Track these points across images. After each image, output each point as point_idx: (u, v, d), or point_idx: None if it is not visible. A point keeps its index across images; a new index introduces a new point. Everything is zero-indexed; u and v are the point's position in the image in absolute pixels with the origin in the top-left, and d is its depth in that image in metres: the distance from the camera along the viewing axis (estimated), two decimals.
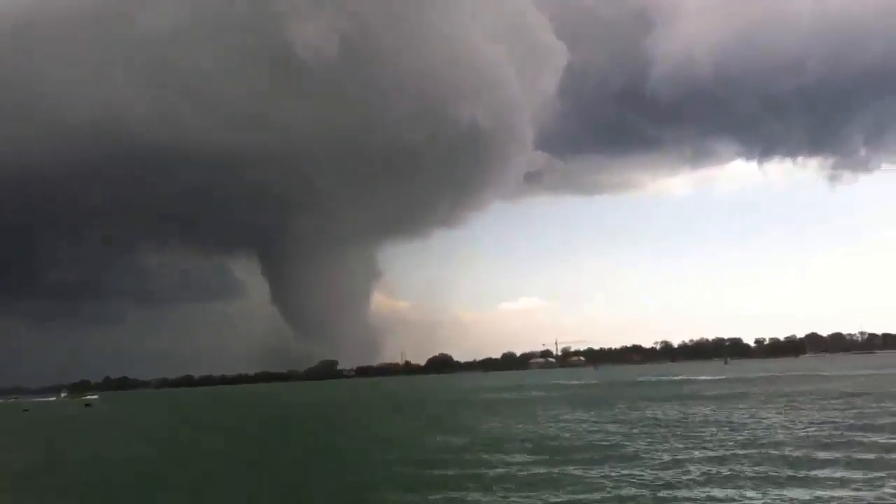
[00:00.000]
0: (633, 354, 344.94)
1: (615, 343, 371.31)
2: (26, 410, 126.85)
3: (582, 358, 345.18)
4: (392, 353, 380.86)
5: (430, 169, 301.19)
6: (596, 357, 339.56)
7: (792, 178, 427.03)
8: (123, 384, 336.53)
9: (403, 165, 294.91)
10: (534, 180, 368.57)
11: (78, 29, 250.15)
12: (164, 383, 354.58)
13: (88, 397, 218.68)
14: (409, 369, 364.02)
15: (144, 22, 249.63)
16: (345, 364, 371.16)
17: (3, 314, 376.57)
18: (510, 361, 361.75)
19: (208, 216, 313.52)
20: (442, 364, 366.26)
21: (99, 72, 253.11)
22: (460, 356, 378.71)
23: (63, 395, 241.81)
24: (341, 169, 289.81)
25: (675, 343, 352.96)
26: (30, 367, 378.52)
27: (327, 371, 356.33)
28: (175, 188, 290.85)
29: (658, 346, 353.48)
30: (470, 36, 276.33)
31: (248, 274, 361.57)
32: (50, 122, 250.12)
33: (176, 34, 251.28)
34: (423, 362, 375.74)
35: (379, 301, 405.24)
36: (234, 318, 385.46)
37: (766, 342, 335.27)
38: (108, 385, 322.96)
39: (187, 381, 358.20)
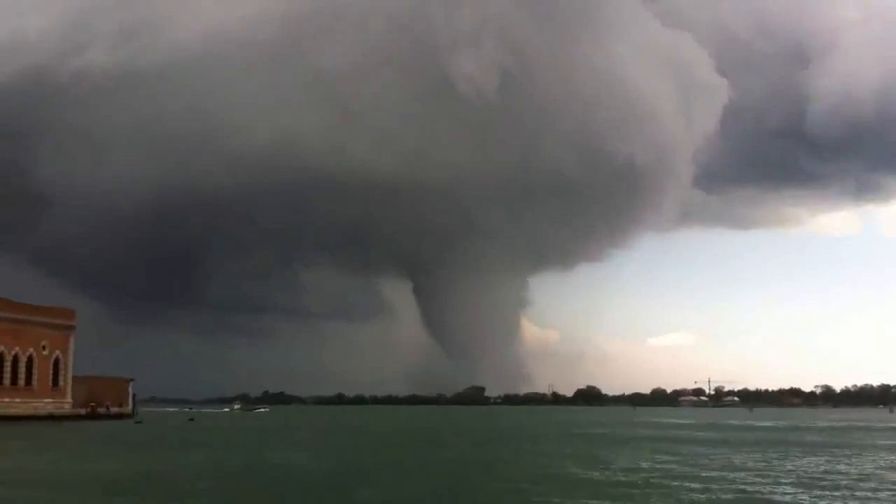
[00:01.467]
0: (791, 397, 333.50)
1: (771, 384, 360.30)
2: (192, 420, 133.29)
3: (736, 398, 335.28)
4: (539, 383, 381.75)
5: (584, 202, 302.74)
6: (751, 398, 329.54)
7: None
8: (280, 399, 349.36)
9: (558, 199, 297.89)
10: (687, 214, 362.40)
11: (255, 62, 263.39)
12: (319, 401, 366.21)
13: (260, 409, 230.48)
14: (556, 400, 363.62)
15: (318, 57, 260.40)
16: (492, 391, 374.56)
17: (170, 328, 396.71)
18: (660, 397, 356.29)
19: (367, 241, 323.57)
20: (589, 396, 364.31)
21: (275, 104, 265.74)
22: (608, 389, 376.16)
23: (236, 406, 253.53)
24: (497, 201, 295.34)
25: (837, 387, 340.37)
26: (192, 378, 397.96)
27: (475, 397, 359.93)
28: (339, 214, 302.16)
29: (818, 390, 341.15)
30: (630, 72, 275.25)
31: (400, 297, 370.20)
32: (228, 151, 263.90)
33: (348, 69, 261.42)
34: (570, 393, 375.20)
35: (528, 330, 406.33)
36: (386, 340, 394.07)
37: None
38: (267, 399, 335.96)
39: (340, 400, 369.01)
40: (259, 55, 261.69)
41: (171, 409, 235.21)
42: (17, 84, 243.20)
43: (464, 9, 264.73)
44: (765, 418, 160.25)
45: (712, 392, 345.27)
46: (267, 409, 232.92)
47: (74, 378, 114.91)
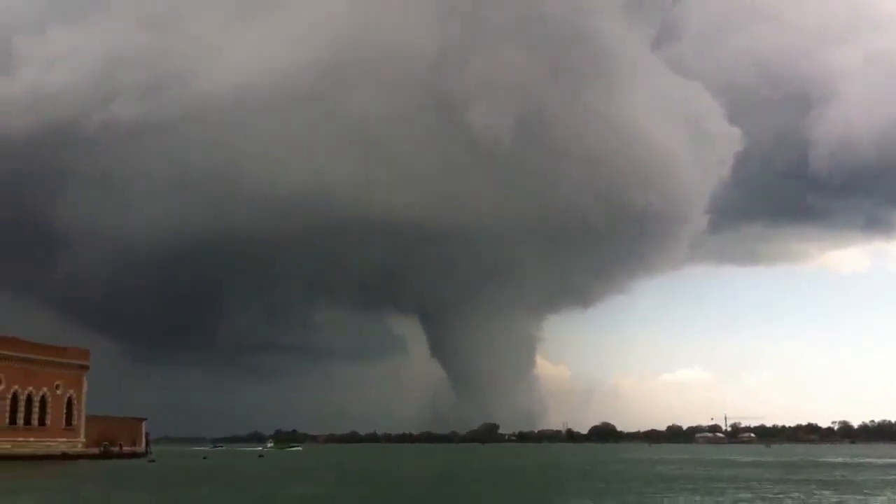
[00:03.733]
0: (808, 434, 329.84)
1: (787, 420, 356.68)
2: (205, 458, 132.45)
3: (753, 435, 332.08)
4: (553, 420, 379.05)
5: (602, 246, 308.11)
6: (768, 434, 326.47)
7: None
8: (293, 437, 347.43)
9: (577, 242, 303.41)
10: (698, 252, 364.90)
11: (282, 111, 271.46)
12: (331, 439, 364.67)
13: (293, 448, 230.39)
14: (571, 437, 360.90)
15: (342, 106, 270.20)
16: (506, 428, 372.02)
17: (183, 368, 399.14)
18: (675, 434, 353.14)
19: (383, 282, 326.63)
20: (605, 433, 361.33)
21: (300, 151, 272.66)
22: (623, 426, 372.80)
23: (269, 445, 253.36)
24: (516, 243, 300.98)
25: (855, 423, 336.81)
26: (205, 418, 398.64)
27: (488, 435, 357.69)
28: (357, 256, 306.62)
29: (836, 426, 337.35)
30: (645, 121, 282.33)
31: (412, 336, 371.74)
32: (257, 194, 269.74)
33: (371, 118, 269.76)
34: (584, 430, 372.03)
35: (543, 368, 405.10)
36: (398, 379, 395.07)
37: None
38: (280, 437, 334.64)
39: (353, 438, 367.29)
40: (286, 105, 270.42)
41: (199, 448, 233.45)
42: (41, 135, 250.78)
43: (478, 61, 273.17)
44: (786, 455, 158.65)
45: (728, 428, 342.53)
46: (300, 448, 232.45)
47: (88, 417, 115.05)
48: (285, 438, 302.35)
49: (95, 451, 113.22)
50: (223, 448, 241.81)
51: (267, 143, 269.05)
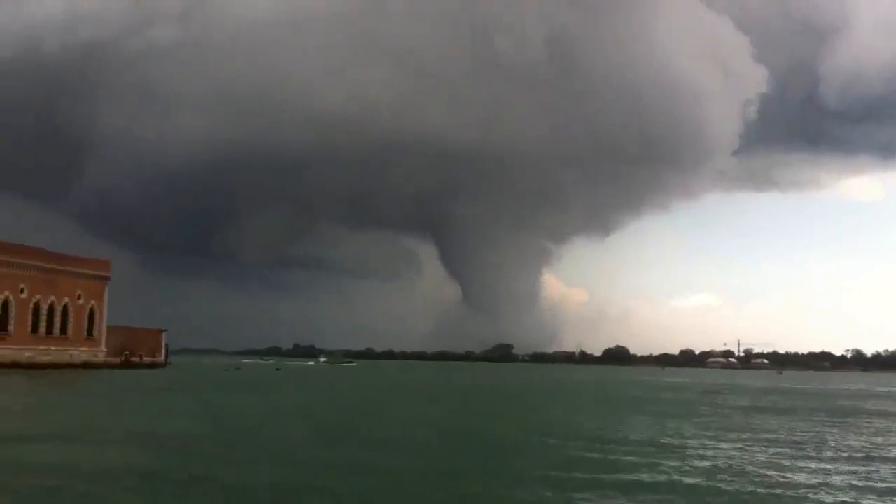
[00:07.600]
0: (821, 361, 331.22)
1: (800, 348, 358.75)
2: (226, 370, 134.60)
3: (765, 361, 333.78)
4: (568, 342, 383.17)
5: (619, 172, 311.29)
6: (781, 361, 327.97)
7: None
8: (311, 352, 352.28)
9: (596, 168, 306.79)
10: (716, 179, 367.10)
11: (324, 28, 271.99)
12: (348, 354, 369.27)
13: (348, 363, 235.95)
14: (584, 359, 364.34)
15: (383, 26, 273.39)
16: (520, 349, 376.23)
17: (207, 280, 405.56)
18: (688, 358, 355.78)
19: (403, 200, 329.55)
20: (618, 356, 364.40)
21: (342, 67, 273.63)
22: (636, 349, 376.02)
23: (322, 359, 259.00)
24: (540, 169, 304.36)
25: (868, 352, 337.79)
26: (227, 330, 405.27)
27: (503, 355, 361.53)
28: (382, 176, 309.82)
29: (849, 354, 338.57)
30: (672, 53, 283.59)
31: (427, 257, 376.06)
32: (290, 113, 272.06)
33: (408, 42, 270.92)
34: (598, 353, 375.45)
35: (559, 291, 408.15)
36: (413, 298, 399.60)
37: None
38: (298, 352, 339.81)
39: (369, 354, 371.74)
40: (327, 22, 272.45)
41: (248, 361, 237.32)
42: (80, 55, 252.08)
43: None
44: (796, 381, 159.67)
45: (741, 354, 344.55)
46: (354, 364, 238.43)
47: (109, 328, 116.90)
48: (336, 354, 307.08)
49: (116, 360, 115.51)
50: (271, 361, 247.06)
51: (304, 61, 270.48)
